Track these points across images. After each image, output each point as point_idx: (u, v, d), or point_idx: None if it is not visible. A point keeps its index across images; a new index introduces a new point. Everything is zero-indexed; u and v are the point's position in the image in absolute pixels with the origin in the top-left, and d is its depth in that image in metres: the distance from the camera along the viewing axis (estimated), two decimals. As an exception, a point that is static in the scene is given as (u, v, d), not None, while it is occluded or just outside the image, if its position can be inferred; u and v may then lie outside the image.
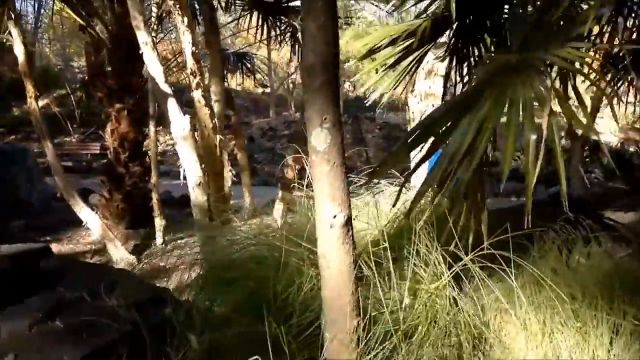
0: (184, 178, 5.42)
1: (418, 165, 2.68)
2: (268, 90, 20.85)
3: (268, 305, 2.46)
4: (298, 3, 7.96)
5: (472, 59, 4.09)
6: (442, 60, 4.65)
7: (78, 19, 7.32)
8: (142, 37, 5.05)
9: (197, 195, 5.45)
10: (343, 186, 2.08)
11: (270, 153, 16.63)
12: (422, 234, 2.66)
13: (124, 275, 3.79)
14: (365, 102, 17.21)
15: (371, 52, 3.83)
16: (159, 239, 8.03)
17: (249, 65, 9.84)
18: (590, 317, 2.48)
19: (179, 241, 8.15)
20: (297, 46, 8.25)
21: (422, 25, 3.55)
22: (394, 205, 3.15)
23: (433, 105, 5.25)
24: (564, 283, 2.60)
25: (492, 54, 3.17)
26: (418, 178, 5.57)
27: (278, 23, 7.86)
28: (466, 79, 4.11)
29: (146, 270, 7.09)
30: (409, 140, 2.59)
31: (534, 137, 2.38)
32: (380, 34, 3.83)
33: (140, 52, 4.89)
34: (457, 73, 4.18)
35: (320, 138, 2.03)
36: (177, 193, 10.56)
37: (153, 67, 5.11)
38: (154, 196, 7.93)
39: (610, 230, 3.34)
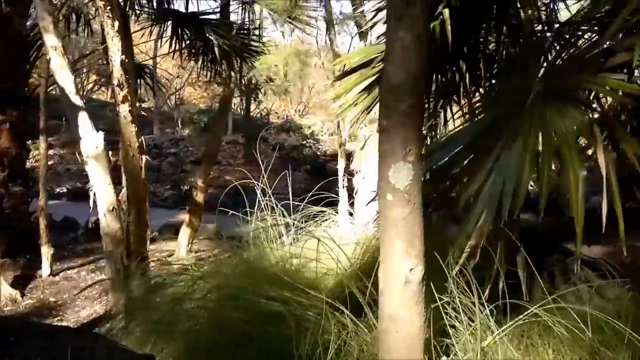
0: (94, 202, 4.71)
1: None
2: (146, 105, 19.67)
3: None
4: (214, 16, 7.46)
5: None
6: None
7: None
8: (51, 40, 4.33)
9: (109, 223, 4.75)
10: (420, 233, 1.70)
11: (155, 172, 15.60)
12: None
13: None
14: (264, 121, 16.88)
15: (347, 73, 3.52)
16: (45, 270, 6.99)
17: (147, 79, 9.06)
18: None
19: (68, 271, 7.20)
20: (207, 61, 7.72)
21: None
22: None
23: (378, 131, 5.01)
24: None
25: (506, 81, 2.95)
26: (359, 204, 5.35)
27: (190, 36, 7.28)
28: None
29: (34, 307, 6.17)
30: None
31: (583, 173, 2.19)
32: (357, 54, 3.52)
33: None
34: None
35: (401, 174, 1.64)
36: (56, 216, 9.51)
37: (62, 75, 4.39)
38: (42, 221, 6.90)
39: (586, 265, 3.23)
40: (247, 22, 7.76)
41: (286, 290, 2.70)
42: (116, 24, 4.17)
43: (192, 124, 17.26)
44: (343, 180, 6.13)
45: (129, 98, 4.42)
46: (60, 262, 7.35)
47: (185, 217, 7.94)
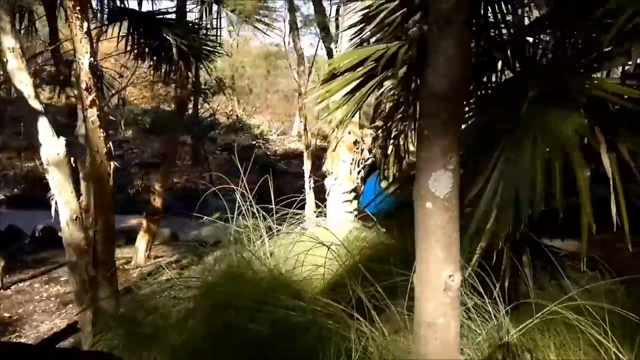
0: (56, 211, 4.52)
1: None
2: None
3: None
4: (173, 16, 7.26)
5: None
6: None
7: None
8: (8, 42, 4.13)
9: (72, 232, 4.58)
10: (457, 240, 1.71)
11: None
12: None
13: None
14: (211, 121, 16.57)
15: (335, 75, 3.49)
16: (-5, 283, 6.64)
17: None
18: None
19: (20, 284, 6.86)
20: (162, 62, 7.50)
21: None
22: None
23: (350, 133, 5.02)
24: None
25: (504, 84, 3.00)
26: (331, 206, 5.33)
27: (146, 35, 7.06)
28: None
29: (-13, 323, 5.86)
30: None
31: (587, 173, 2.26)
32: (348, 56, 3.50)
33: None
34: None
35: (442, 182, 1.64)
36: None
37: (20, 78, 4.20)
38: (-11, 232, 6.56)
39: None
40: (205, 22, 7.62)
41: (288, 297, 2.66)
42: (85, 25, 3.98)
43: (136, 125, 16.73)
44: (309, 181, 6.10)
45: (97, 102, 4.25)
46: (9, 274, 7.00)
47: (142, 222, 7.71)
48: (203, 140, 13.95)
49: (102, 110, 4.35)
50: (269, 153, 15.81)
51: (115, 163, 4.59)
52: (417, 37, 3.28)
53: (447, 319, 1.73)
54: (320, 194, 5.81)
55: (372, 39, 4.11)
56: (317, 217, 5.63)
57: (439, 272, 1.70)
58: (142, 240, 7.43)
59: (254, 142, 16.10)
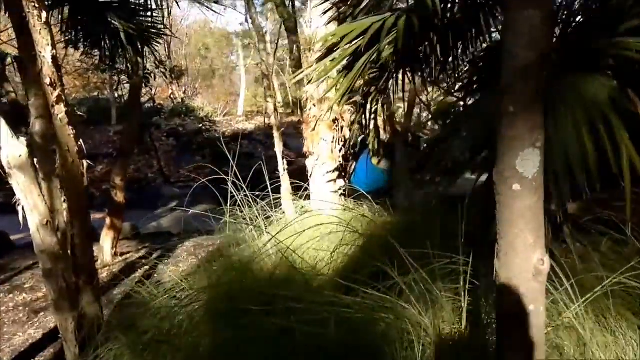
0: (24, 218, 4.19)
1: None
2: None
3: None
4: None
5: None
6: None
7: None
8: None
9: (44, 238, 4.25)
10: (543, 222, 1.62)
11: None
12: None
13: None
14: (152, 106, 15.90)
15: (327, 53, 3.32)
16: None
17: None
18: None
19: (-29, 297, 6.38)
20: (108, 49, 7.06)
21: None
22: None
23: (329, 110, 4.86)
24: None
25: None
26: (315, 186, 5.19)
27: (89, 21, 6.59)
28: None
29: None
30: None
31: (627, 135, 2.22)
32: (340, 32, 3.32)
33: None
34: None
35: (530, 161, 1.53)
36: None
37: (-27, 74, 3.81)
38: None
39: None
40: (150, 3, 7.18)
41: (326, 291, 2.52)
42: (44, 14, 3.61)
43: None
44: (283, 162, 5.90)
45: (64, 98, 3.89)
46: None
47: (106, 219, 7.32)
48: (148, 127, 13.39)
49: (68, 104, 3.99)
50: (217, 135, 15.38)
51: (89, 161, 4.27)
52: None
53: (537, 305, 1.64)
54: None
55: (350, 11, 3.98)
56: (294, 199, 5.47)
57: (528, 257, 1.60)
58: (107, 237, 7.06)
59: (200, 126, 15.60)
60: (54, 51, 3.77)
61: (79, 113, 16.29)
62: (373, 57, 3.39)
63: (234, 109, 19.63)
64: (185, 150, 14.78)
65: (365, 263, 2.98)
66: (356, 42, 3.31)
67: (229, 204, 4.68)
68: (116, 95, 16.72)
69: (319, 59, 3.43)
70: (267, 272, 3.39)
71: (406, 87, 4.27)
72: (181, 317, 3.35)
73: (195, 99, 20.02)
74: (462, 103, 4.11)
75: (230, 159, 4.75)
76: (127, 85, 15.90)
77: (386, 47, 3.43)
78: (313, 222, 4.31)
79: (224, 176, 4.72)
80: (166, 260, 6.88)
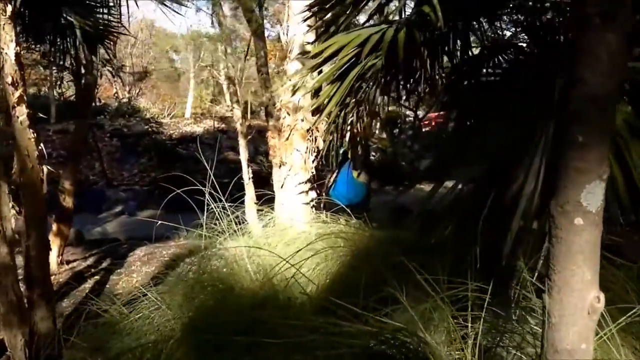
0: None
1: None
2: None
3: None
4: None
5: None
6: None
7: None
8: None
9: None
10: (599, 258, 1.54)
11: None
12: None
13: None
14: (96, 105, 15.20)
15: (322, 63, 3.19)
16: None
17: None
18: None
19: None
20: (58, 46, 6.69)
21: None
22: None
23: (303, 120, 4.73)
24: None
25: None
26: (287, 197, 5.02)
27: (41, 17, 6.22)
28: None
29: None
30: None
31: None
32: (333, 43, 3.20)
33: None
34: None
35: (595, 194, 1.45)
36: None
37: None
38: None
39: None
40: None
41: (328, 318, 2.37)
42: (9, 8, 3.30)
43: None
44: (249, 170, 5.71)
45: (25, 99, 3.58)
46: None
47: (52, 225, 6.86)
48: (91, 127, 12.79)
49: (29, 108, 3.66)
50: (164, 138, 14.90)
51: (49, 167, 3.95)
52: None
53: (588, 344, 1.56)
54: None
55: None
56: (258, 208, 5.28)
57: (584, 295, 1.52)
58: (53, 245, 6.61)
59: (146, 127, 15.05)
60: (18, 48, 3.47)
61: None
62: (367, 68, 3.29)
63: (180, 111, 19.13)
64: (130, 152, 14.22)
65: (356, 283, 2.85)
66: (350, 53, 3.20)
67: (202, 213, 4.43)
68: (55, 93, 15.94)
69: (315, 68, 3.30)
70: (250, 293, 3.22)
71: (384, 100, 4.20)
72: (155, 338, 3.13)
73: (140, 99, 19.39)
74: (411, 114, 4.12)
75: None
76: (69, 83, 15.25)
77: (376, 58, 3.34)
78: (290, 234, 4.16)
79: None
80: (118, 270, 6.53)
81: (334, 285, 3.04)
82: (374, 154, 12.10)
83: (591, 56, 1.39)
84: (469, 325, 2.28)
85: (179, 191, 4.38)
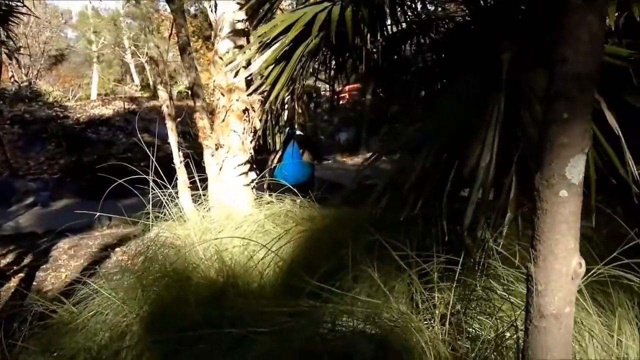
0: None
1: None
2: None
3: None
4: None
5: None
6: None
7: None
8: None
9: None
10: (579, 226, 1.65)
11: None
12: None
13: None
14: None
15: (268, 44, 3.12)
16: None
17: None
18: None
19: None
20: None
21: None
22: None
23: (238, 100, 4.63)
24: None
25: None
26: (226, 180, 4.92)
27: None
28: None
29: None
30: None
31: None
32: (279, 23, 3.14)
33: None
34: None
35: (578, 167, 1.54)
36: None
37: None
38: None
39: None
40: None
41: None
42: None
43: None
44: (180, 154, 5.54)
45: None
46: None
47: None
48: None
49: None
50: (71, 122, 14.10)
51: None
52: None
53: (572, 307, 1.67)
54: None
55: None
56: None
57: (568, 261, 1.62)
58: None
59: (51, 112, 14.16)
60: None
61: None
62: (311, 46, 3.27)
63: (85, 93, 18.14)
64: (34, 139, 13.35)
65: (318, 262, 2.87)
66: (297, 31, 3.16)
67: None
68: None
69: (260, 49, 3.23)
70: (207, 281, 3.16)
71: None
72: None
73: (39, 82, 18.17)
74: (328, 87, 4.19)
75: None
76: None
77: (316, 37, 3.33)
78: (236, 218, 4.10)
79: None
80: (43, 266, 6.19)
81: (295, 265, 3.04)
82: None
83: (573, 37, 1.46)
84: (436, 295, 2.37)
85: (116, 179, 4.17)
